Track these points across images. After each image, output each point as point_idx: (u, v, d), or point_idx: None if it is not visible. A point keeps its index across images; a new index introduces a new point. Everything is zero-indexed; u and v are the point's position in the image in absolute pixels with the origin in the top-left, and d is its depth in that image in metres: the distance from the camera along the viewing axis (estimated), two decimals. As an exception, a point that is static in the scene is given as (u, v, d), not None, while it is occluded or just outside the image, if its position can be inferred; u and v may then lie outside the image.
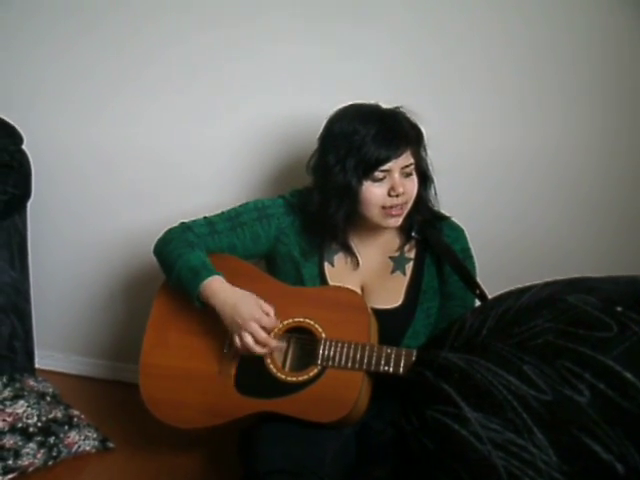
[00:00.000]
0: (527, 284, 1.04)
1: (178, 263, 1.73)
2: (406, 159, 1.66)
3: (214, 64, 2.14)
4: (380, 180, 1.65)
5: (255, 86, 2.13)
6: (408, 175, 1.68)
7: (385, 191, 1.66)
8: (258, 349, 1.68)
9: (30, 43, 2.26)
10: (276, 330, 1.72)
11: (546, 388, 0.81)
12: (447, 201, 1.81)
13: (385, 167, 1.64)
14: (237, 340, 1.69)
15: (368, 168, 1.63)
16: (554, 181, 2.03)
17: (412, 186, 1.69)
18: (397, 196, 1.66)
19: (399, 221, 1.71)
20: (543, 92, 1.97)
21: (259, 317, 1.67)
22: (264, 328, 1.68)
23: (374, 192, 1.66)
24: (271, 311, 1.69)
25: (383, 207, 1.67)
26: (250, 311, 1.68)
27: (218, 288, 1.70)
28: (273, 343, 1.69)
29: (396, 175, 1.65)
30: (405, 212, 1.71)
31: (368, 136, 1.63)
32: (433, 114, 1.76)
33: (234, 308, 1.68)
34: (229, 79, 2.14)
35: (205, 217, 1.83)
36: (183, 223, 1.82)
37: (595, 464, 0.75)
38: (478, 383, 0.85)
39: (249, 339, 1.67)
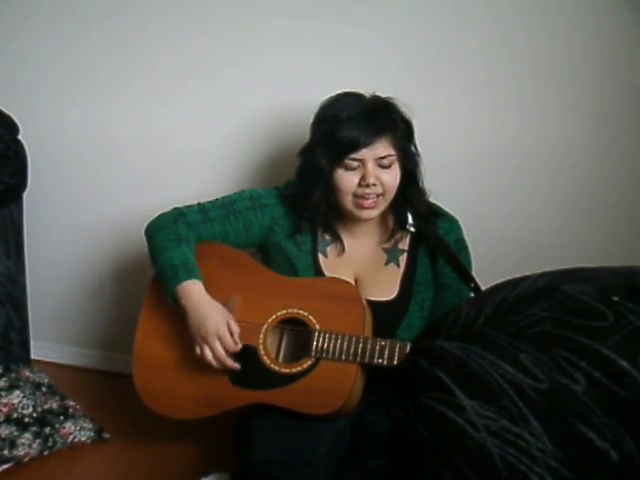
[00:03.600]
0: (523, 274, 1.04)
1: (162, 257, 1.73)
2: (383, 150, 1.64)
3: (212, 60, 2.15)
4: (353, 169, 1.64)
5: (253, 79, 2.13)
6: (386, 167, 1.66)
7: (357, 180, 1.65)
8: (214, 363, 1.68)
9: (32, 35, 2.26)
10: (270, 320, 1.72)
11: (542, 376, 0.81)
12: (442, 195, 1.81)
13: (357, 155, 1.62)
14: (197, 350, 1.69)
15: (338, 153, 1.62)
16: (550, 174, 2.03)
17: (389, 179, 1.67)
18: (367, 186, 1.64)
19: (372, 214, 1.69)
20: (539, 85, 1.97)
21: (222, 334, 1.67)
22: (224, 346, 1.68)
23: (345, 179, 1.65)
24: (237, 332, 1.69)
25: (355, 195, 1.66)
26: (216, 325, 1.67)
27: (192, 293, 1.69)
28: (229, 362, 1.68)
29: (369, 165, 1.63)
30: (382, 205, 1.69)
31: (343, 123, 1.61)
32: (427, 108, 1.76)
33: (201, 318, 1.68)
34: (227, 73, 2.15)
35: (199, 203, 1.82)
36: (176, 209, 1.82)
37: (590, 452, 0.76)
38: (474, 371, 0.85)
39: (208, 352, 1.68)
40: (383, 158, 1.64)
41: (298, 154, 1.76)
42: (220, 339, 1.67)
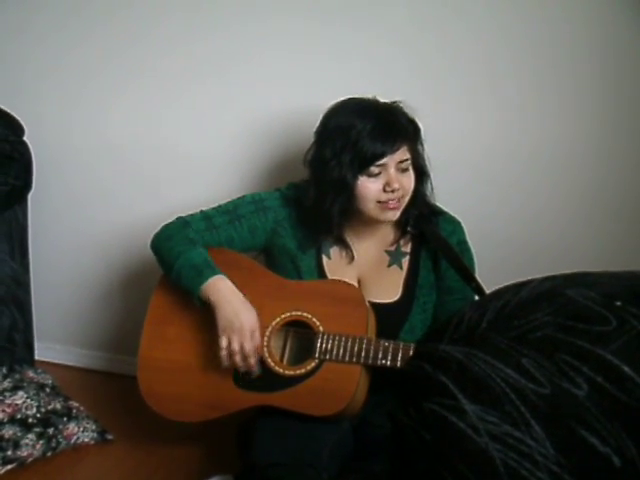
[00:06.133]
0: (526, 278, 1.04)
1: (179, 260, 1.72)
2: (402, 154, 1.66)
3: (216, 62, 2.16)
4: (376, 175, 1.65)
5: (254, 83, 2.14)
6: (404, 170, 1.67)
7: (380, 186, 1.65)
8: (237, 359, 1.68)
9: (36, 37, 2.27)
10: (274, 324, 1.72)
11: (544, 381, 0.81)
12: (445, 196, 1.81)
13: (381, 162, 1.63)
14: (224, 342, 1.68)
15: (364, 163, 1.63)
16: (552, 176, 2.03)
17: (408, 181, 1.69)
18: (392, 191, 1.65)
19: (397, 214, 1.70)
20: (541, 87, 1.97)
21: (256, 331, 1.68)
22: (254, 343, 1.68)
23: (369, 187, 1.65)
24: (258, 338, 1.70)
25: (379, 202, 1.67)
26: (251, 322, 1.68)
27: (224, 287, 1.70)
28: (253, 360, 1.68)
29: (392, 170, 1.65)
30: (402, 206, 1.70)
31: (364, 131, 1.62)
32: (429, 110, 1.76)
33: (237, 311, 1.68)
34: (231, 76, 2.16)
35: (202, 211, 1.83)
36: (180, 218, 1.82)
37: (592, 457, 0.76)
38: (476, 376, 0.85)
39: (236, 345, 1.67)
40: (402, 162, 1.66)
41: (309, 165, 1.75)
42: (253, 335, 1.67)
